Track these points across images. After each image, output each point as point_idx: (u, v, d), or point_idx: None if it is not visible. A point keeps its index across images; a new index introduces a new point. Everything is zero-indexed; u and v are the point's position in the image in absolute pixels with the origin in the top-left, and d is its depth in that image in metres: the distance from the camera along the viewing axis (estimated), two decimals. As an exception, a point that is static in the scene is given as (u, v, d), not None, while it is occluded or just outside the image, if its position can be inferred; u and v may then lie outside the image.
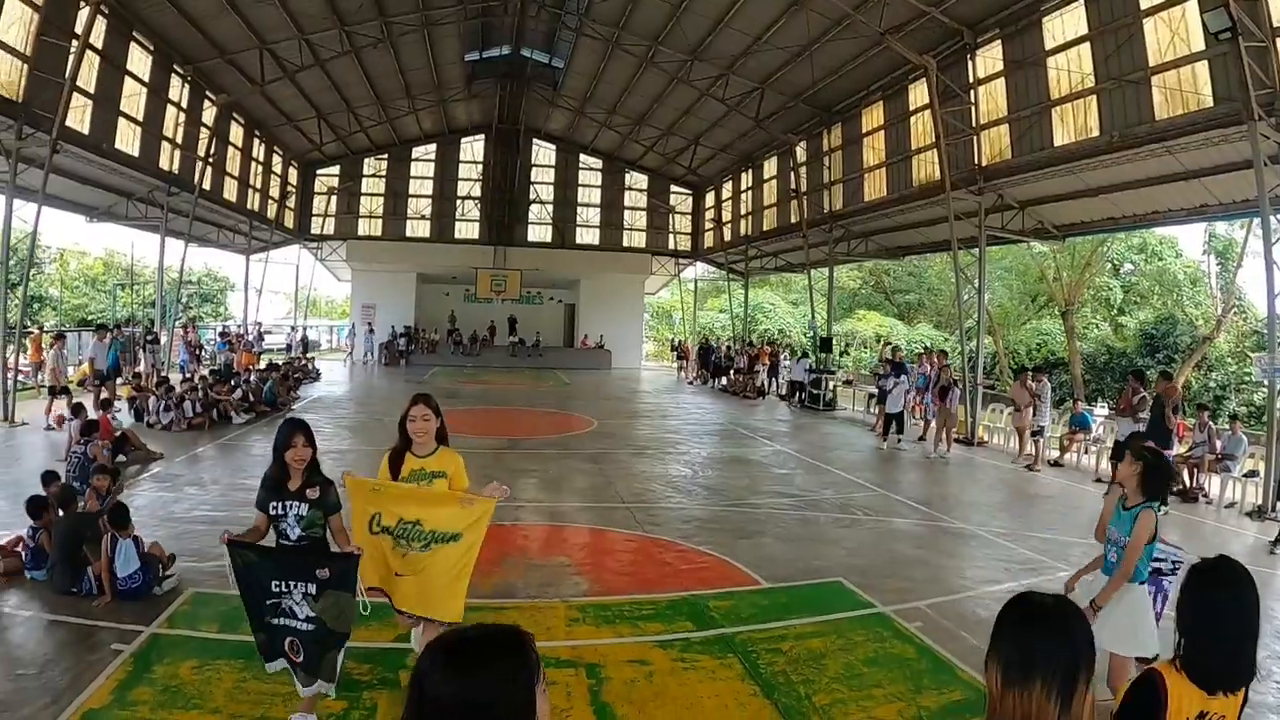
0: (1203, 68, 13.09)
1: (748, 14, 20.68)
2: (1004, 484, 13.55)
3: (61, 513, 6.73)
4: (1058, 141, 16.36)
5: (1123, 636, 4.43)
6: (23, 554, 6.66)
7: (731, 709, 4.97)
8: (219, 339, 26.67)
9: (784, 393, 26.14)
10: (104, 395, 14.03)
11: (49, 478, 7.69)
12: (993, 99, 18.14)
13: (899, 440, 16.72)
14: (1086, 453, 15.79)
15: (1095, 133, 15.38)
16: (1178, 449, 13.18)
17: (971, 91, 18.41)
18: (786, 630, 6.33)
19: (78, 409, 11.62)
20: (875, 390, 19.21)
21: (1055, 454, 16.02)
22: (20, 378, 16.28)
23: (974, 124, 18.42)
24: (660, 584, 7.50)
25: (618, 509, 10.36)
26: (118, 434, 11.80)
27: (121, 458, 11.25)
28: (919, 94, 20.23)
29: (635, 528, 9.45)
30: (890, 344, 22.94)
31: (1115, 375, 31.41)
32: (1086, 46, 15.36)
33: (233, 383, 18.03)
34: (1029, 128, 17.03)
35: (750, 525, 9.77)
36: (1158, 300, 34.43)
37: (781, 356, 29.37)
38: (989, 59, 17.97)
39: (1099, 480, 13.31)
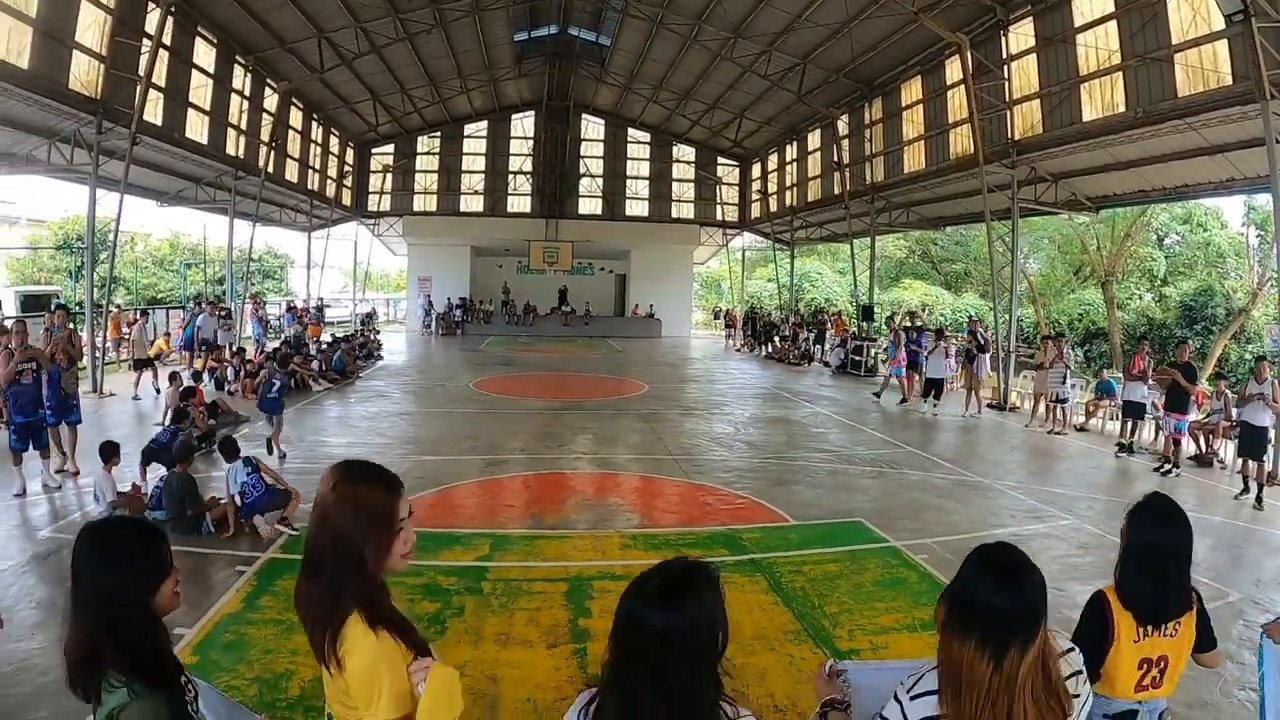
0: (1222, 46, 13.48)
1: (788, -8, 21.24)
2: (1027, 445, 14.24)
3: (179, 466, 7.88)
4: (1086, 117, 16.80)
5: None
6: (145, 497, 7.89)
7: (755, 613, 6.07)
8: (287, 313, 28.08)
9: (829, 360, 26.59)
10: (197, 366, 15.46)
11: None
12: (1025, 75, 18.55)
13: (935, 406, 17.38)
14: (1112, 419, 16.32)
15: (1122, 108, 15.82)
16: (1195, 415, 13.75)
17: (1004, 67, 18.83)
18: (808, 557, 7.44)
19: (173, 377, 12.87)
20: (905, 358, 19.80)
21: (1081, 419, 16.62)
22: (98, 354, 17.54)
23: (1007, 99, 18.86)
24: (701, 520, 8.69)
25: (665, 460, 11.51)
26: (210, 400, 13.08)
27: (213, 421, 12.49)
28: (954, 70, 20.64)
29: (681, 475, 10.61)
30: (909, 311, 23.43)
31: (1154, 346, 31.43)
32: (1114, 24, 15.73)
33: (305, 353, 19.42)
34: (1059, 103, 17.46)
35: (785, 475, 10.83)
36: (1201, 272, 34.26)
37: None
38: (1021, 35, 18.36)
39: (1119, 445, 13.89)
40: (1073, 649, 2.20)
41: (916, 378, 18.91)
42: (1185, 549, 2.86)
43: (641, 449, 12.39)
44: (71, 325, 12.86)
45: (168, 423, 11.17)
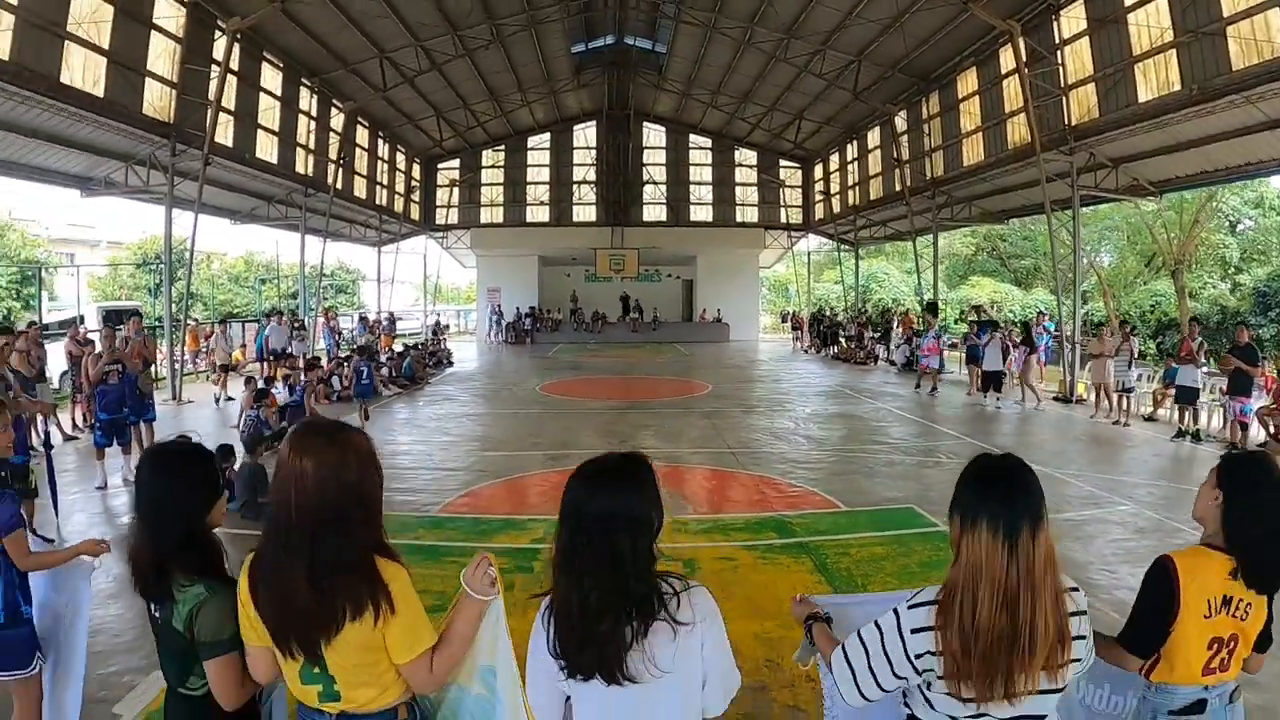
0: (1275, 15, 13.06)
1: (837, -10, 21.20)
2: (1089, 435, 13.91)
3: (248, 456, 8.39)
4: (1141, 97, 16.40)
5: None
6: (224, 489, 8.38)
7: (798, 590, 6.08)
8: (359, 324, 29.03)
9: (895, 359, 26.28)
10: (270, 373, 16.29)
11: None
12: (1079, 59, 18.19)
13: (998, 399, 17.15)
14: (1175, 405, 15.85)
15: (1176, 87, 15.42)
16: (1262, 400, 13.28)
17: (1058, 53, 18.50)
18: (856, 541, 7.53)
19: (248, 381, 13.58)
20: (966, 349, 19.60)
21: (1149, 409, 16.15)
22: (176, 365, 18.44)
23: (1062, 85, 18.51)
24: (753, 507, 8.84)
25: (724, 453, 11.69)
26: (283, 403, 13.80)
27: (285, 424, 13.13)
28: (1008, 58, 20.31)
29: (737, 467, 10.76)
30: (974, 305, 23.05)
31: (1229, 335, 30.17)
32: (1164, 1, 15.37)
33: (377, 361, 20.15)
34: (1114, 85, 17.09)
35: (841, 466, 10.91)
36: (1276, 257, 32.85)
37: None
38: (1073, 19, 18.03)
39: (1179, 431, 13.50)
40: (1076, 588, 2.14)
41: (977, 371, 18.64)
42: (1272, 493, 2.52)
43: (700, 443, 12.56)
44: (146, 332, 13.77)
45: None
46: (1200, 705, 2.55)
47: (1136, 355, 16.17)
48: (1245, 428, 12.33)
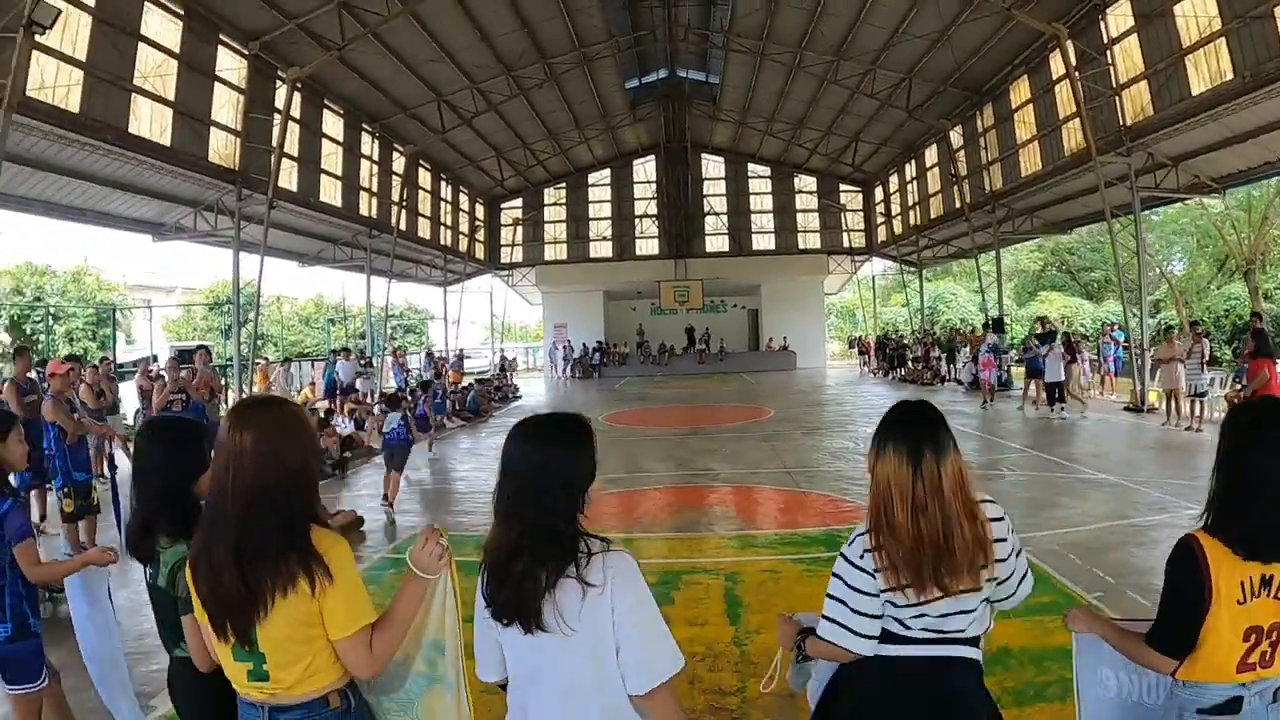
0: (1324, -8, 12.71)
1: (881, 8, 21.16)
2: (1159, 443, 13.46)
3: None
4: (1194, 90, 15.96)
5: None
6: None
7: None
8: (426, 359, 29.77)
9: (961, 378, 25.80)
10: (333, 406, 16.91)
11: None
12: (1129, 57, 17.83)
13: (1062, 409, 16.70)
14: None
15: (1229, 75, 14.98)
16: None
17: (1107, 52, 18.16)
18: None
19: (311, 412, 14.13)
20: (1024, 362, 19.22)
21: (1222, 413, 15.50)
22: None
23: (1114, 85, 18.15)
24: (802, 523, 8.78)
25: (779, 473, 11.63)
26: (345, 435, 14.50)
27: (347, 454, 13.62)
28: (1058, 63, 20.00)
29: (792, 485, 10.68)
30: (1039, 317, 22.53)
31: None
32: (1210, -11, 15.05)
33: (432, 392, 20.56)
34: (1166, 80, 16.69)
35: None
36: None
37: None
38: (1120, 17, 17.72)
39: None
40: (990, 501, 2.38)
41: (1037, 384, 18.16)
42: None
43: (757, 464, 12.49)
44: (213, 365, 14.36)
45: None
46: (1236, 704, 2.23)
47: (1209, 358, 15.59)
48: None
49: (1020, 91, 23.18)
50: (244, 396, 2.33)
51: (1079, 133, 19.28)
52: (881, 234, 37.42)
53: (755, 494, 10.37)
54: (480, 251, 37.44)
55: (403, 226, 26.99)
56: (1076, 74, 17.92)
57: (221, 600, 2.05)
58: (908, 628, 2.28)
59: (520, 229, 38.51)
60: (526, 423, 2.19)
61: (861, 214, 39.01)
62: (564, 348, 37.47)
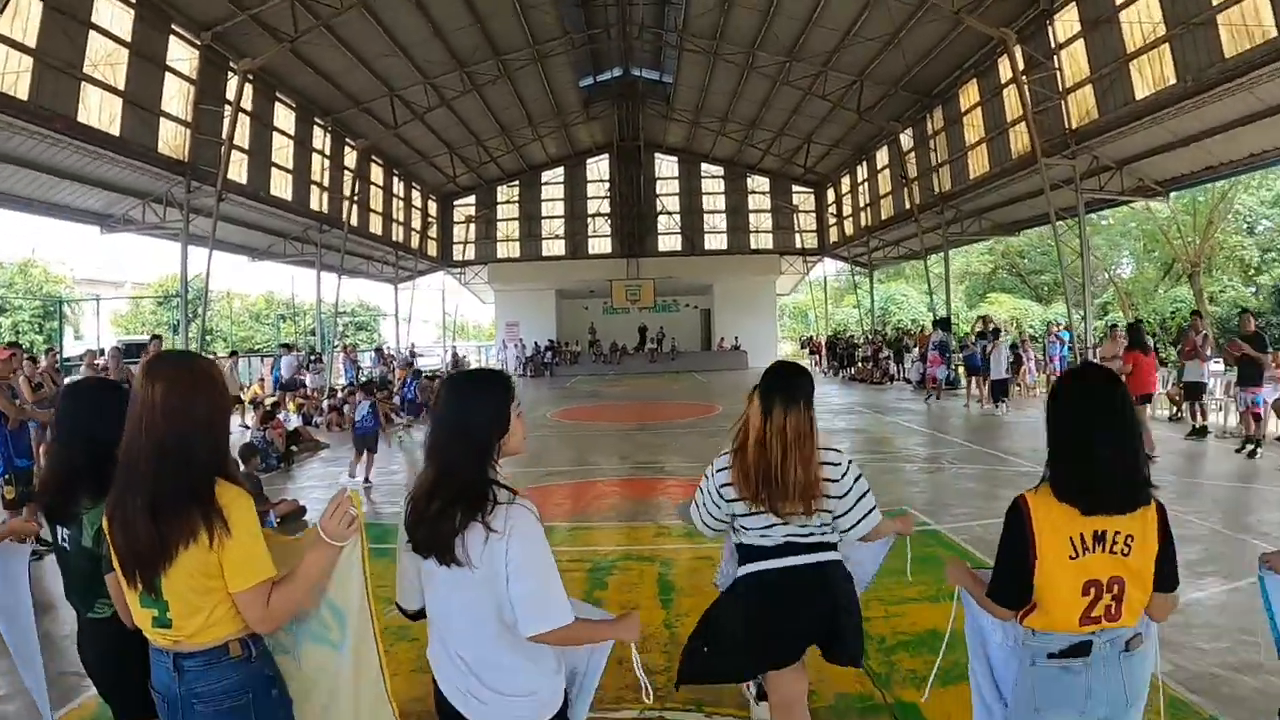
0: (1263, 1, 13.16)
1: (832, 10, 21.45)
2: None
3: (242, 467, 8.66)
4: (1138, 94, 16.45)
5: None
6: None
7: None
8: (376, 356, 29.51)
9: (910, 376, 26.17)
10: (281, 401, 16.71)
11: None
12: (1075, 62, 18.30)
13: (1006, 406, 17.02)
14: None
15: (1172, 80, 15.47)
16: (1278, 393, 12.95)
17: (1054, 57, 18.62)
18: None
19: (256, 406, 13.95)
20: (963, 359, 19.75)
21: (1169, 411, 15.85)
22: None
23: (1060, 89, 18.62)
24: None
25: None
26: (292, 429, 14.38)
27: (294, 447, 13.49)
28: (1006, 67, 20.42)
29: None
30: (982, 316, 22.98)
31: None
32: (1154, -5, 15.52)
33: (388, 391, 20.40)
34: (1110, 85, 17.17)
35: None
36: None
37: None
38: (1066, 23, 18.19)
39: (1192, 429, 13.24)
40: (833, 450, 3.13)
41: (978, 380, 18.56)
42: (1131, 425, 2.39)
43: (702, 457, 12.28)
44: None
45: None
46: (1085, 648, 2.35)
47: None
48: (1259, 419, 12.05)
49: (969, 95, 23.66)
50: (158, 352, 2.28)
51: (1026, 136, 19.74)
52: (833, 235, 37.89)
53: (698, 486, 10.33)
54: (432, 249, 37.20)
55: (354, 222, 26.68)
56: (1024, 78, 18.35)
57: (133, 551, 2.09)
58: (795, 546, 3.09)
59: (473, 226, 38.33)
60: (454, 375, 2.48)
61: (814, 215, 39.44)
62: (516, 346, 37.34)
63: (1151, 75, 16.08)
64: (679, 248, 38.85)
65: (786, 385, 3.03)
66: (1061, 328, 22.97)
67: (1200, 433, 12.88)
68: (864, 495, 3.11)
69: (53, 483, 2.61)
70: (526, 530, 2.21)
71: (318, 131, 25.09)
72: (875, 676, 4.39)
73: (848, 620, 3.15)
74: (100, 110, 15.92)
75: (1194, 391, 13.28)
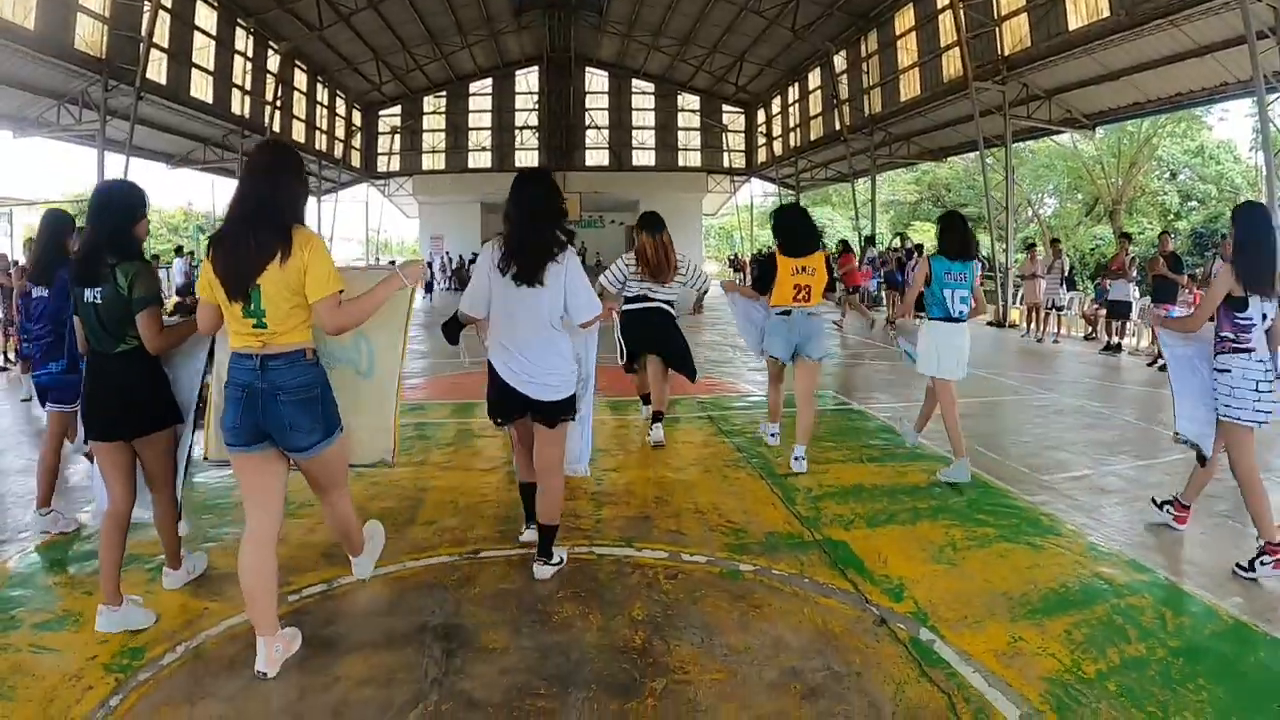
0: (1199, -61, 13.54)
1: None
2: (1019, 349, 14.42)
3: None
4: (1072, 25, 16.88)
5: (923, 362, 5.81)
6: None
7: (697, 446, 6.77)
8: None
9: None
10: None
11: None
12: (1013, -10, 18.62)
13: (919, 318, 17.66)
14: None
15: (1106, 13, 15.90)
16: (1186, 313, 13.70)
17: (992, -16, 18.89)
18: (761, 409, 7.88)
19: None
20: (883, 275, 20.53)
21: (1085, 331, 16.60)
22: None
23: (995, 16, 18.94)
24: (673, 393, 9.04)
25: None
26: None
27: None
28: (944, -9, 20.70)
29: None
30: (897, 233, 23.57)
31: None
32: (1093, -73, 15.82)
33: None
34: (1045, 14, 17.55)
35: (763, 372, 11.28)
36: (1215, 206, 34.09)
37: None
38: (1006, -51, 18.43)
39: (1106, 345, 14.00)
40: (684, 256, 6.41)
41: (894, 296, 19.22)
42: (805, 220, 6.16)
43: (613, 346, 12.79)
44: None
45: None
46: (788, 312, 5.77)
47: (1068, 274, 16.66)
48: (1169, 334, 12.68)
49: (905, 18, 23.85)
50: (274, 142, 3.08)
51: (958, 61, 20.10)
52: (762, 155, 38.05)
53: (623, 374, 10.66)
54: (356, 160, 36.20)
55: (276, 128, 25.84)
56: (960, 3, 18.60)
57: (239, 271, 2.89)
58: (648, 298, 6.31)
59: (398, 137, 37.35)
60: (524, 173, 3.95)
61: (743, 135, 39.46)
62: (443, 257, 36.84)
63: (1086, 7, 16.49)
64: (606, 163, 38.55)
65: (653, 222, 6.23)
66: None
67: (1114, 349, 13.61)
68: (696, 270, 6.61)
69: (85, 254, 3.38)
70: (575, 263, 3.75)
71: (240, 33, 24.01)
72: (803, 519, 4.80)
73: (672, 339, 6.50)
74: (13, 3, 15.06)
75: (1119, 311, 13.83)
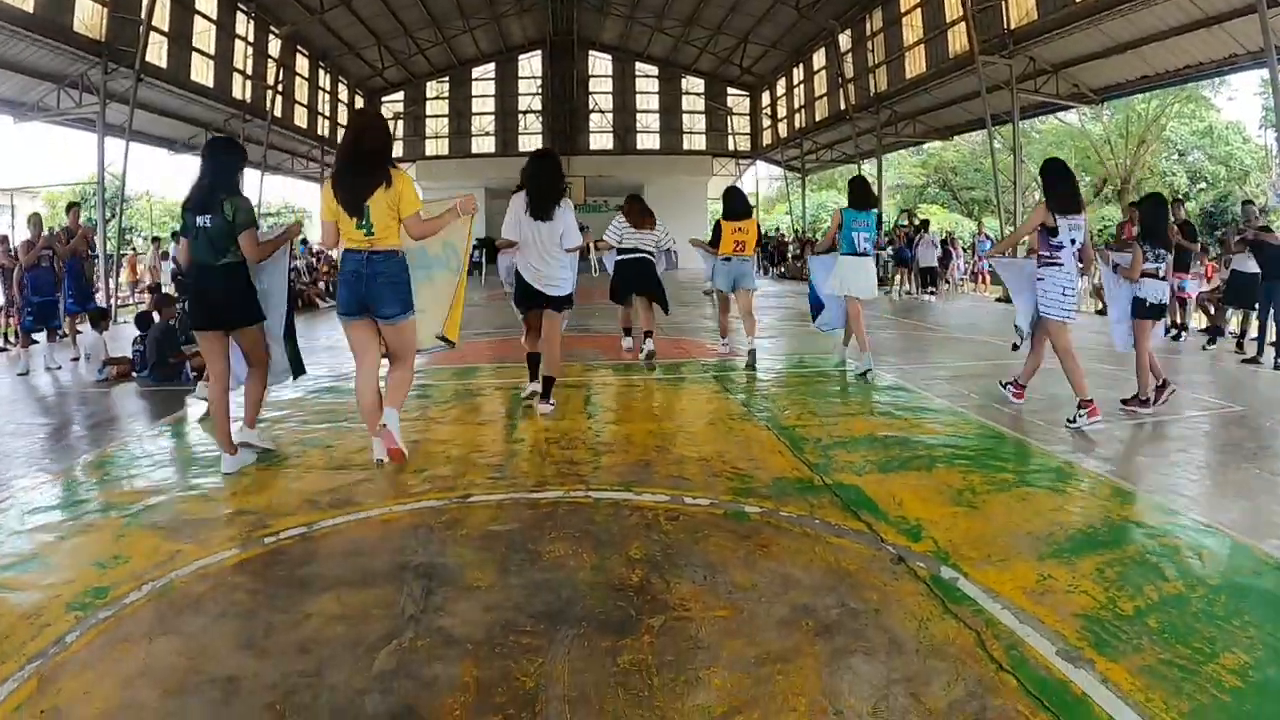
0: (1207, -95, 13.28)
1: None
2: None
3: (157, 318, 8.80)
4: (1079, -3, 16.59)
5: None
6: (133, 358, 8.66)
7: (701, 401, 6.76)
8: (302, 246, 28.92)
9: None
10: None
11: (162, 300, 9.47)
12: (1018, -39, 18.31)
13: (932, 294, 17.56)
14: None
15: (1113, -18, 15.60)
16: (1202, 286, 13.46)
17: (998, -44, 18.59)
18: (767, 377, 8.14)
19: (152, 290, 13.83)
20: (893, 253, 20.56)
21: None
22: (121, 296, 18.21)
23: (1002, -12, 18.65)
24: (666, 357, 9.26)
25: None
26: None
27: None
28: (950, -35, 20.40)
29: (661, 336, 10.86)
30: (904, 210, 23.45)
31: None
32: (1099, -105, 15.51)
33: (314, 277, 20.24)
34: (1052, -15, 17.25)
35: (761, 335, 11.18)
36: (1224, 186, 33.80)
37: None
38: (1012, -80, 18.13)
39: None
40: (662, 225, 8.67)
41: (909, 272, 19.14)
42: (741, 196, 8.96)
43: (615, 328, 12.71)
44: (88, 224, 14.12)
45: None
46: (730, 259, 8.43)
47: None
48: (1184, 304, 12.52)
49: (911, -6, 23.50)
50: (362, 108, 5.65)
51: (964, 36, 19.80)
52: (767, 138, 37.71)
53: (606, 341, 10.72)
54: (359, 145, 35.84)
55: (278, 113, 25.64)
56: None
57: (356, 194, 4.33)
58: (637, 250, 8.28)
59: (401, 123, 37.09)
60: (541, 150, 6.45)
61: (748, 118, 39.15)
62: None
63: (1093, -24, 16.17)
64: (610, 146, 38.25)
65: (634, 198, 8.61)
66: (985, 232, 23.55)
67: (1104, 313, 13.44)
68: (667, 232, 8.64)
69: (200, 188, 4.71)
70: (569, 205, 5.97)
71: (241, 17, 23.82)
72: (812, 465, 4.70)
73: (653, 280, 8.23)
74: (10, -16, 14.90)
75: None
